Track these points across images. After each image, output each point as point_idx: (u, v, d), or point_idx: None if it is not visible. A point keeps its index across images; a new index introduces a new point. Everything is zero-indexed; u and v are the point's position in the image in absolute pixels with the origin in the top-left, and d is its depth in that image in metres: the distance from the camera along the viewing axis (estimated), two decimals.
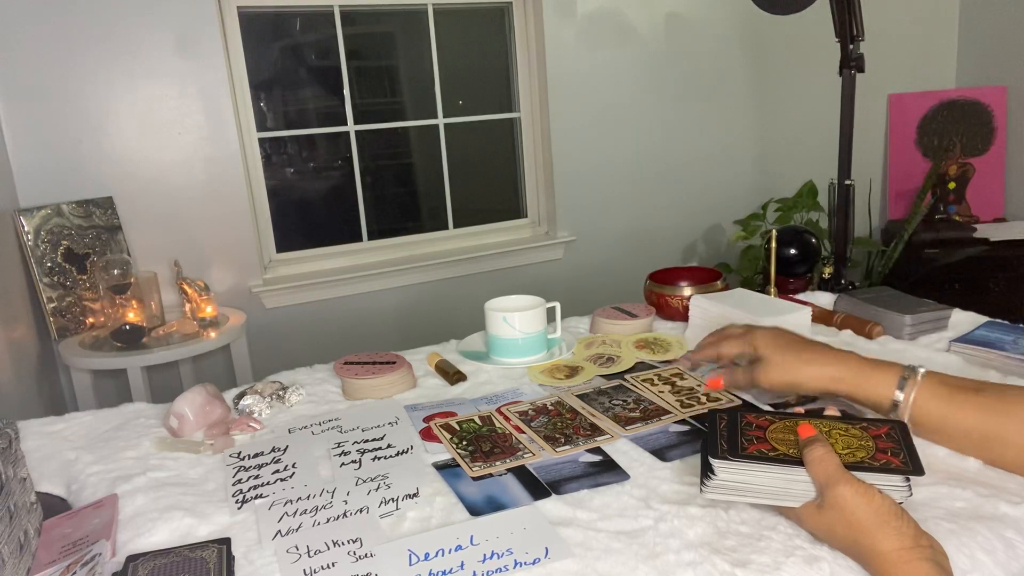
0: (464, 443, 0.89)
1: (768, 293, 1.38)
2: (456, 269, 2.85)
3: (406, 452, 0.88)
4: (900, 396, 0.77)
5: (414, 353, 1.23)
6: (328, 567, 0.67)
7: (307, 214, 2.80)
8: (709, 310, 1.20)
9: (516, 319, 1.16)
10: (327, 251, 2.76)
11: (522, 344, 1.17)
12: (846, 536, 0.62)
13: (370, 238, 2.83)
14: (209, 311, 2.19)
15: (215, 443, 0.93)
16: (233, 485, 0.83)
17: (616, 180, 3.06)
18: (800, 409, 0.79)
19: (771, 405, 0.92)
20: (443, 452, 0.88)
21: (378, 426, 0.96)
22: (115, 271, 2.09)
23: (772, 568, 0.62)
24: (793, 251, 2.50)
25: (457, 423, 0.94)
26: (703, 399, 0.97)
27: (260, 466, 0.87)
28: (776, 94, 3.28)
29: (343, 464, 0.86)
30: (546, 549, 0.67)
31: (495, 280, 2.91)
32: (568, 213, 3.01)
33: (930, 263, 3.02)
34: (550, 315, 1.24)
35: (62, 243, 2.15)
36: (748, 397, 0.96)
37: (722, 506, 0.71)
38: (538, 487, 0.78)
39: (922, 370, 0.77)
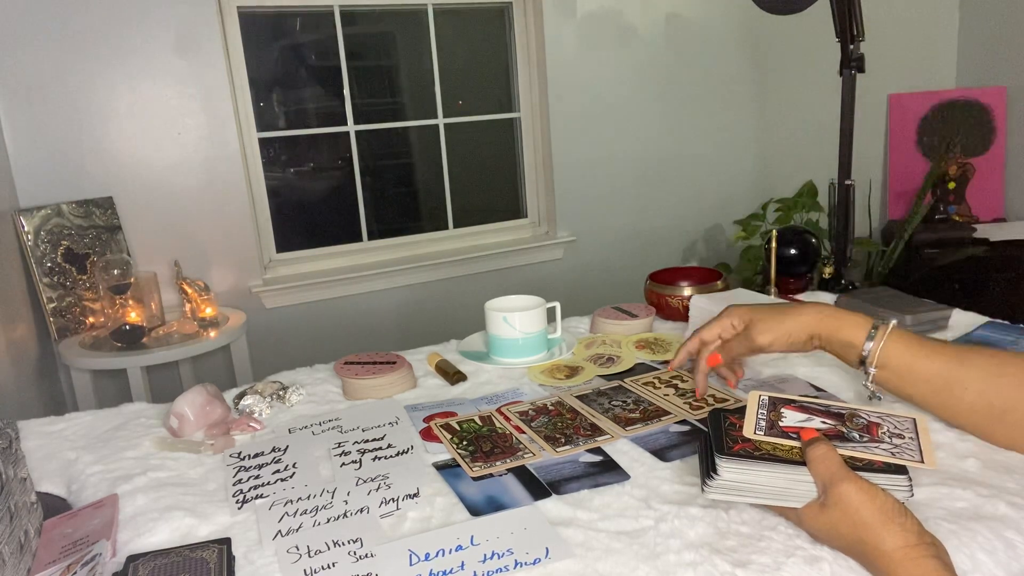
0: (464, 443, 0.89)
1: (768, 293, 1.38)
2: (456, 269, 2.85)
3: (406, 452, 0.88)
4: (871, 341, 0.82)
5: (414, 353, 1.23)
6: (328, 567, 0.67)
7: (307, 214, 2.80)
8: (709, 310, 1.20)
9: (516, 319, 1.16)
10: (327, 251, 2.76)
11: (522, 344, 1.17)
12: (850, 535, 0.61)
13: (370, 238, 2.83)
14: (209, 311, 2.19)
15: (215, 443, 0.93)
16: (233, 485, 0.83)
17: (616, 180, 3.06)
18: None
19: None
20: (443, 452, 0.88)
21: (378, 426, 0.96)
22: (115, 271, 2.09)
23: (773, 568, 0.62)
24: (793, 251, 2.50)
25: (457, 423, 0.94)
26: (711, 400, 0.97)
27: (260, 466, 0.87)
28: (776, 94, 3.28)
29: (343, 464, 0.86)
30: (546, 549, 0.67)
31: (495, 280, 2.91)
32: (568, 213, 3.01)
33: (930, 263, 3.02)
34: (550, 315, 1.24)
35: (62, 243, 2.15)
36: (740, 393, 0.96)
37: (723, 506, 0.71)
38: (538, 487, 0.78)
39: (893, 321, 0.83)
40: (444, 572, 0.65)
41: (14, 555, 0.66)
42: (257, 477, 0.84)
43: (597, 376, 1.09)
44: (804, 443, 0.68)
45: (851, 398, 0.95)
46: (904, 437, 0.72)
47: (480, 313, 1.21)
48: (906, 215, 3.22)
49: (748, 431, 0.72)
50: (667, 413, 0.94)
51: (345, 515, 0.75)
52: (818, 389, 0.99)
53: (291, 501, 0.79)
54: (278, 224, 2.66)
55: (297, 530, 0.73)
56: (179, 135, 2.36)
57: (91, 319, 2.19)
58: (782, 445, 0.70)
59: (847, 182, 2.11)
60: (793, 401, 0.79)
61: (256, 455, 0.90)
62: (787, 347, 0.89)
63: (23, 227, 2.08)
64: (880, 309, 1.18)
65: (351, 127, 2.73)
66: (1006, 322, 1.16)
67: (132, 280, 2.12)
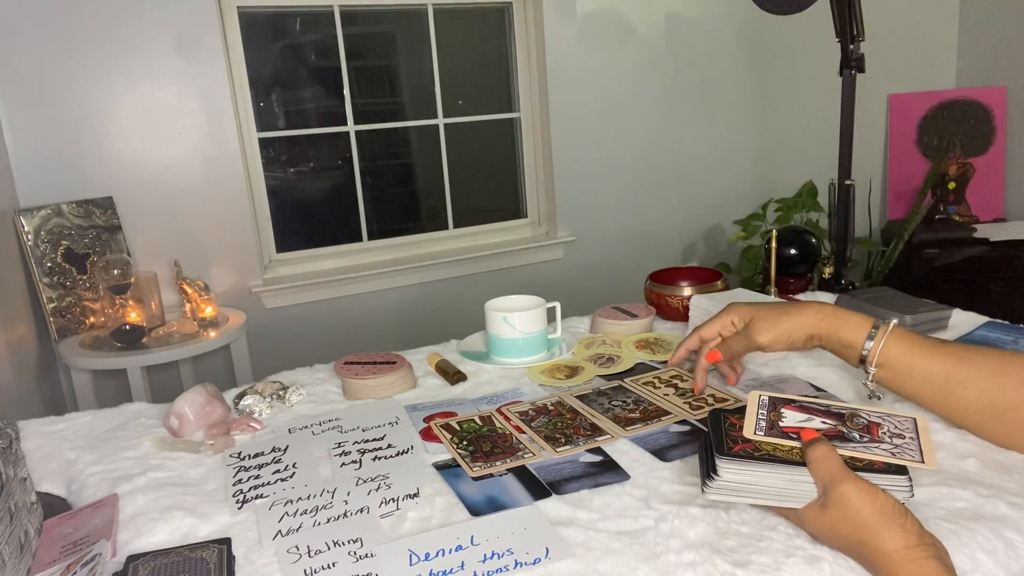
0: (464, 443, 0.89)
1: (768, 293, 1.37)
2: (456, 269, 2.85)
3: (406, 452, 0.88)
4: (872, 340, 0.83)
5: (414, 353, 1.23)
6: (328, 567, 0.67)
7: (307, 214, 2.80)
8: (709, 310, 1.20)
9: (516, 319, 1.16)
10: (327, 251, 2.76)
11: (522, 344, 1.17)
12: (850, 535, 0.61)
13: (370, 238, 2.83)
14: (209, 311, 2.19)
15: (215, 443, 0.93)
16: (233, 485, 0.83)
17: (616, 180, 3.06)
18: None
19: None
20: (443, 452, 0.88)
21: (378, 426, 0.96)
22: (115, 271, 2.09)
23: (773, 568, 0.62)
24: (793, 251, 2.50)
25: (457, 423, 0.94)
26: (711, 400, 0.97)
27: (260, 466, 0.87)
28: (776, 94, 3.28)
29: (343, 464, 0.86)
30: (547, 549, 0.67)
31: (495, 280, 2.91)
32: (568, 213, 3.01)
33: (930, 263, 3.02)
34: (550, 315, 1.24)
35: (62, 243, 2.15)
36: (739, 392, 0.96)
37: (723, 506, 0.71)
38: (538, 487, 0.78)
39: (894, 321, 0.84)
40: (444, 572, 0.65)
41: (14, 555, 0.66)
42: (257, 477, 0.84)
43: (597, 376, 1.09)
44: (804, 443, 0.68)
45: (851, 398, 0.95)
46: (904, 437, 0.72)
47: (480, 313, 1.21)
48: (906, 215, 3.22)
49: (748, 431, 0.72)
50: (667, 413, 0.94)
51: (345, 515, 0.75)
52: (818, 389, 0.99)
53: (291, 501, 0.79)
54: (278, 224, 2.66)
55: (297, 530, 0.73)
56: (179, 135, 2.36)
57: (91, 319, 2.19)
58: (782, 445, 0.70)
59: (847, 182, 2.11)
60: (793, 401, 0.79)
61: (256, 455, 0.90)
62: (787, 346, 0.90)
63: (23, 227, 2.08)
64: (880, 309, 1.18)
65: (351, 127, 2.73)
66: (1006, 322, 1.16)
67: (132, 280, 2.12)
